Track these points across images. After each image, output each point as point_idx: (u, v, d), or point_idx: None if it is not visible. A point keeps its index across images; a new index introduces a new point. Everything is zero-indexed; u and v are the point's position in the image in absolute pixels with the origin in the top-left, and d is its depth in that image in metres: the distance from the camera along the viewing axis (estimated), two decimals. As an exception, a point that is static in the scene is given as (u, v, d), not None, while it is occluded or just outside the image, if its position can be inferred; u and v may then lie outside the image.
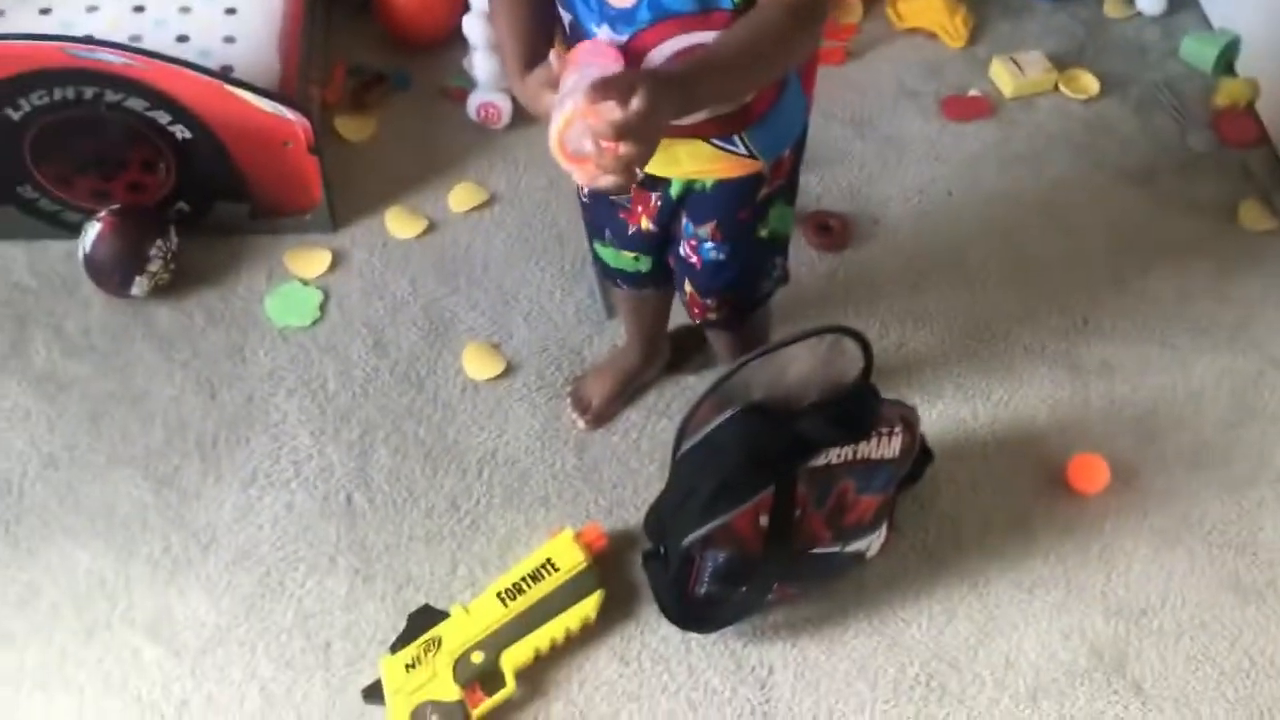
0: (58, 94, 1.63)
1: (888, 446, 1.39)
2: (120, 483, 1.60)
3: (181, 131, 1.71)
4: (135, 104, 1.66)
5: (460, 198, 1.95)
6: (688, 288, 1.45)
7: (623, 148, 0.97)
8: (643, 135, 0.97)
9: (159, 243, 1.73)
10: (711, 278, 1.41)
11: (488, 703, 1.41)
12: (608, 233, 1.44)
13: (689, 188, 1.31)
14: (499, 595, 1.46)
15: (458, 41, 2.07)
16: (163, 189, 1.78)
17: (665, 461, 1.43)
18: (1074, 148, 2.11)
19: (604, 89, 0.96)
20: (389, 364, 1.74)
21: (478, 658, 1.42)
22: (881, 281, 1.89)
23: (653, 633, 1.50)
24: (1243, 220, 2.00)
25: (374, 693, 1.42)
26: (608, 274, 1.54)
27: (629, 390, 1.72)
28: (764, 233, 1.38)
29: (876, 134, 2.11)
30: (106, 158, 1.74)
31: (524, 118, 2.01)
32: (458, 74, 2.10)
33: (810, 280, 1.88)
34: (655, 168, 1.27)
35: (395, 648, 1.44)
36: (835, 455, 1.36)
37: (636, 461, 1.66)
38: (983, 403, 1.75)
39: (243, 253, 1.85)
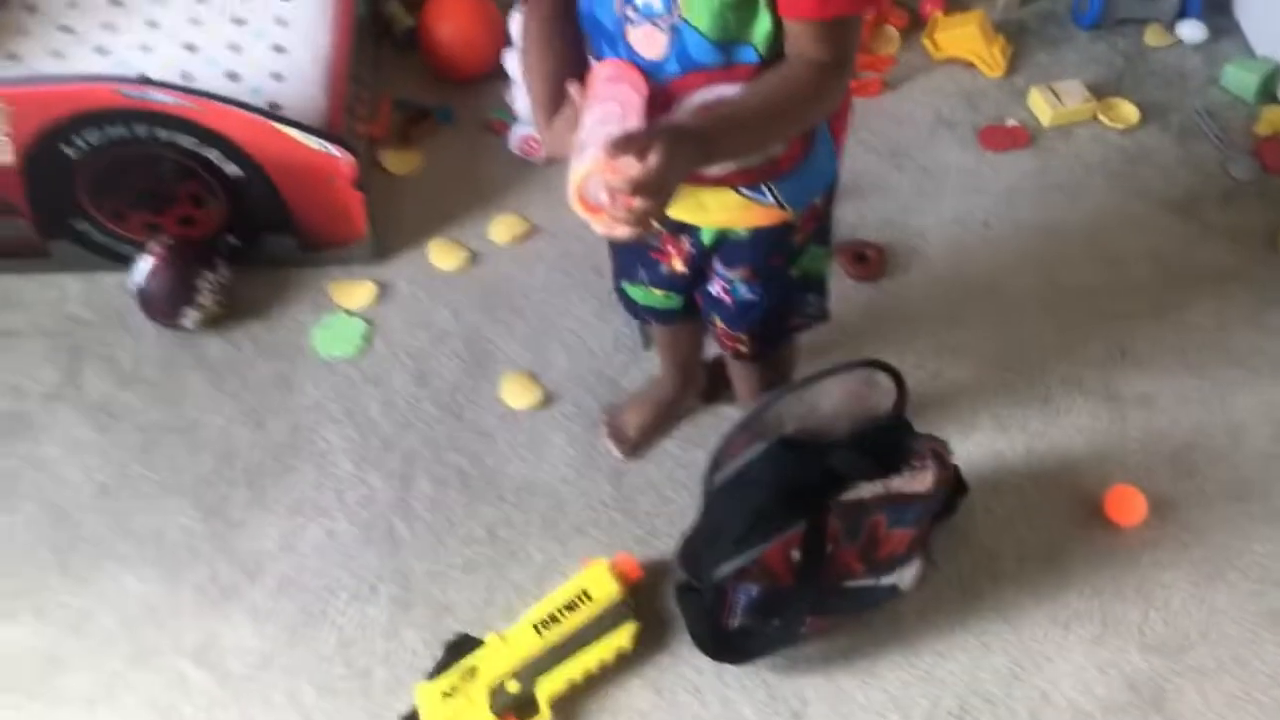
0: (111, 132, 1.69)
1: (920, 481, 1.40)
2: (170, 511, 1.64)
3: (231, 167, 1.76)
4: (186, 141, 1.71)
5: (501, 229, 1.99)
6: (717, 322, 1.47)
7: (638, 202, 0.99)
8: (658, 190, 0.99)
9: (209, 275, 1.78)
10: (742, 316, 1.43)
11: (523, 731, 1.43)
12: (640, 271, 1.46)
13: (721, 235, 1.33)
14: (535, 625, 1.48)
15: (500, 76, 2.11)
16: (213, 223, 1.84)
17: (700, 492, 1.45)
18: (1113, 177, 2.11)
19: (623, 145, 0.98)
20: (430, 393, 1.78)
21: (513, 687, 1.44)
22: (918, 312, 1.90)
23: (687, 663, 1.51)
24: (1285, 250, 1.99)
25: (412, 720, 1.45)
26: (637, 312, 1.56)
27: (665, 420, 1.74)
28: (796, 274, 1.40)
29: (913, 164, 2.12)
30: (158, 193, 1.80)
31: (564, 151, 2.04)
32: (500, 108, 2.14)
33: (846, 310, 1.89)
34: (685, 215, 1.30)
35: (432, 676, 1.47)
36: (866, 489, 1.37)
37: (672, 491, 1.68)
38: (1019, 434, 1.75)
39: (290, 284, 1.90)
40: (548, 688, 1.45)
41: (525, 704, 1.44)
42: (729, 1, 1.07)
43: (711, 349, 1.66)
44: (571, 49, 1.20)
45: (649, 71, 1.14)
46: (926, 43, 2.30)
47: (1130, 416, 1.77)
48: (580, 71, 1.19)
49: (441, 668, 1.47)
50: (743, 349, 1.48)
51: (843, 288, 1.91)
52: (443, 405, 1.76)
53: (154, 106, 1.67)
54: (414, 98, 2.18)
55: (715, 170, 1.18)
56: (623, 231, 1.03)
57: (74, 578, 1.58)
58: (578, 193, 1.02)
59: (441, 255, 1.95)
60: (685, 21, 1.10)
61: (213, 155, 1.73)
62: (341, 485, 1.67)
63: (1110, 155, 2.14)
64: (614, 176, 0.98)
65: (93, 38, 1.90)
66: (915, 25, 2.33)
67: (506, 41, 2.04)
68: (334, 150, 1.75)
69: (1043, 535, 1.64)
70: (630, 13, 1.12)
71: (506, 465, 1.70)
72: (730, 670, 1.51)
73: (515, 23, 1.98)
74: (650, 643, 1.52)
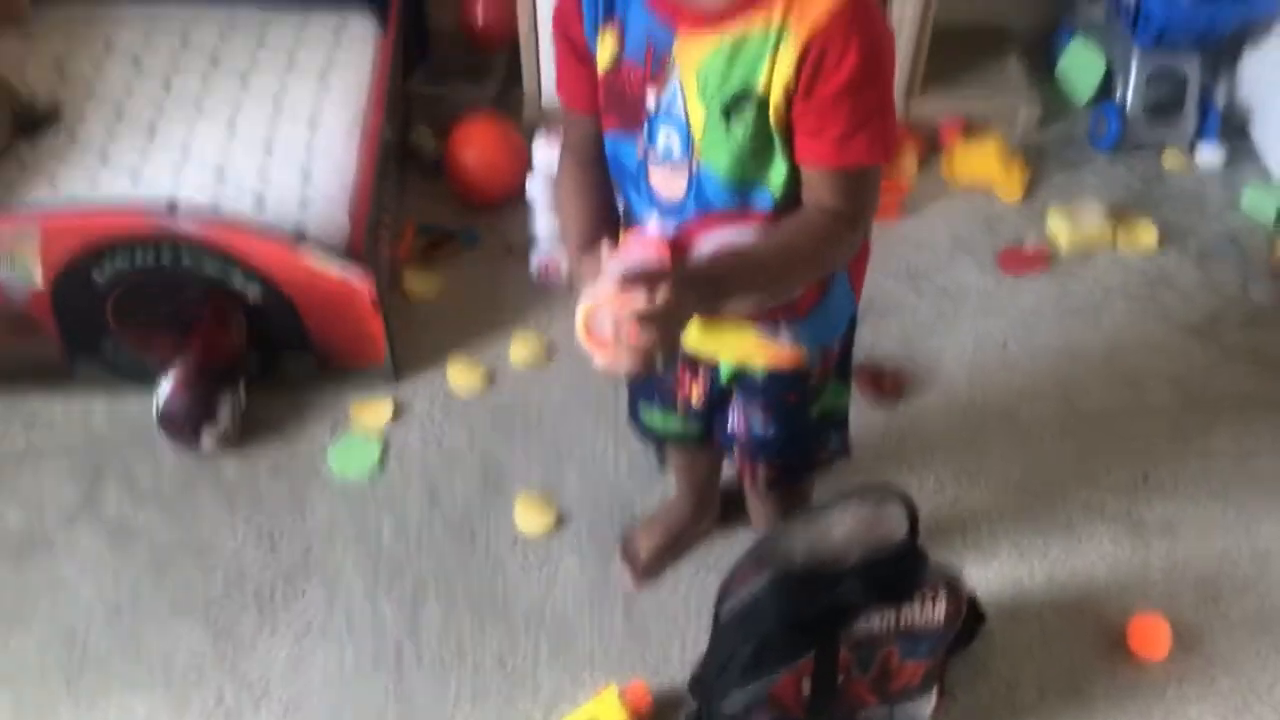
0: (140, 258, 1.73)
1: (932, 612, 1.37)
2: (180, 633, 1.64)
3: (253, 290, 1.79)
4: (211, 266, 1.75)
5: (520, 351, 2.01)
6: (736, 452, 1.47)
7: (642, 337, 1.00)
8: (663, 328, 1.00)
9: (228, 397, 1.80)
10: (760, 449, 1.43)
11: None
12: (657, 399, 1.47)
13: (739, 371, 1.34)
14: (541, 756, 1.45)
15: (522, 201, 2.15)
16: (234, 345, 1.86)
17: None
18: (1133, 300, 2.11)
19: (634, 279, 1.00)
20: (443, 516, 1.77)
21: (518, 821, 1.41)
22: (936, 435, 1.89)
23: (697, 798, 1.48)
24: (1309, 374, 1.97)
25: None
26: (653, 437, 1.56)
27: (679, 544, 1.73)
28: (816, 412, 1.40)
29: (932, 286, 2.13)
30: (183, 315, 1.83)
31: (583, 273, 2.07)
32: (521, 230, 2.18)
33: (864, 432, 1.88)
34: (703, 349, 1.31)
35: (436, 808, 1.44)
36: (877, 620, 1.34)
37: (685, 618, 1.65)
38: (1039, 561, 1.72)
39: (309, 404, 1.92)
40: (552, 823, 1.41)
41: (529, 840, 1.41)
42: (746, 147, 1.10)
43: (729, 471, 1.65)
44: (603, 192, 1.23)
45: (669, 210, 1.16)
46: (945, 167, 2.33)
47: (1153, 544, 1.73)
48: (611, 213, 1.23)
49: (445, 800, 1.44)
50: (760, 479, 1.48)
51: (861, 409, 1.91)
52: (455, 529, 1.76)
53: (181, 233, 1.71)
54: (439, 221, 2.22)
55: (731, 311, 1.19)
56: (624, 366, 1.04)
57: (83, 702, 1.57)
58: (585, 324, 1.03)
59: (460, 376, 1.97)
60: (704, 165, 1.12)
61: (236, 279, 1.77)
62: (351, 609, 1.66)
63: (1130, 278, 2.14)
64: (621, 308, 1.00)
65: (128, 164, 1.97)
66: (934, 149, 2.37)
67: (529, 168, 2.08)
68: (355, 275, 1.78)
69: (1064, 666, 1.60)
70: (652, 155, 1.15)
71: (517, 590, 1.69)
72: (741, 806, 1.46)
73: (538, 150, 2.03)
74: (659, 775, 1.49)
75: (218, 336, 1.84)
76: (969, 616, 1.49)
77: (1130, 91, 2.32)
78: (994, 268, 2.16)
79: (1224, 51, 2.38)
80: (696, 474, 1.68)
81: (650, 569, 1.70)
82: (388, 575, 1.70)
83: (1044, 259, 2.17)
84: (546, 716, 1.54)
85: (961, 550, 1.69)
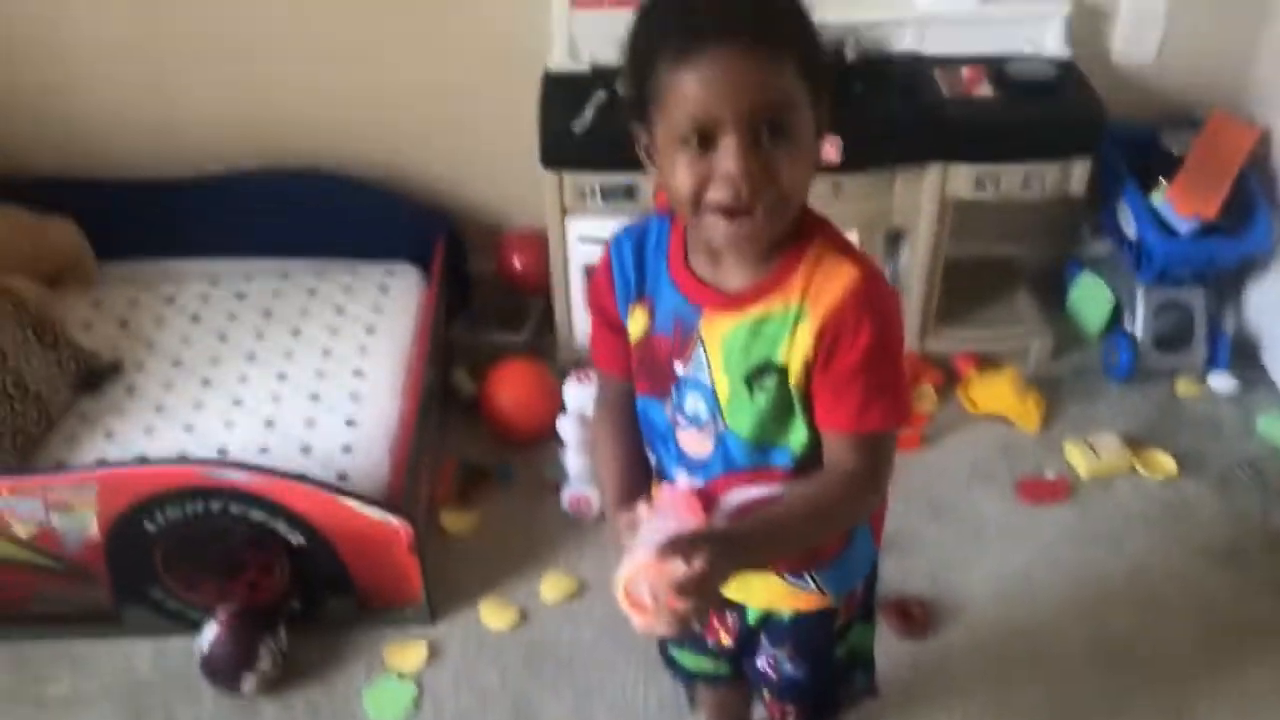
0: (189, 509, 1.82)
1: None
2: None
3: (297, 537, 1.87)
4: (257, 515, 1.84)
5: (552, 587, 2.06)
6: (765, 694, 1.50)
7: (680, 604, 1.05)
8: (700, 594, 1.05)
9: (269, 642, 1.86)
10: (788, 690, 1.46)
11: None
12: (687, 640, 1.51)
13: (766, 615, 1.39)
14: None
15: (555, 439, 2.24)
16: (278, 589, 1.93)
17: None
18: (1155, 528, 2.13)
19: (670, 548, 1.05)
20: (476, 759, 1.79)
21: None
22: (964, 669, 1.90)
23: None
24: (1337, 603, 1.97)
25: None
26: (685, 675, 1.59)
27: (711, 784, 1.73)
28: (843, 652, 1.44)
29: (954, 517, 2.17)
30: (228, 561, 1.91)
31: (613, 510, 2.14)
32: (554, 467, 2.26)
33: (892, 667, 1.88)
34: (731, 594, 1.36)
35: None
36: None
37: None
38: (1074, 804, 1.70)
39: (346, 646, 1.97)
40: None
41: None
42: (769, 413, 1.17)
43: (760, 712, 1.67)
44: (636, 445, 1.30)
45: (697, 467, 1.23)
46: (962, 398, 2.40)
47: (1189, 785, 1.72)
48: (644, 465, 1.30)
49: None
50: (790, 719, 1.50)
51: (888, 644, 1.92)
52: (487, 771, 1.77)
53: (230, 484, 1.80)
54: (475, 458, 2.31)
55: None
56: (662, 630, 1.08)
57: None
58: (625, 589, 1.08)
59: (493, 614, 2.01)
60: (729, 428, 1.20)
61: (280, 526, 1.85)
62: None
63: (1150, 506, 2.18)
64: (659, 578, 1.05)
65: (182, 416, 2.09)
66: (951, 381, 2.45)
67: (561, 407, 2.18)
68: (392, 519, 1.86)
69: None
70: (680, 418, 1.23)
71: (548, 837, 1.69)
72: None
73: (569, 390, 2.14)
74: None
75: (262, 582, 1.91)
76: None
77: (1139, 323, 2.41)
78: (1014, 497, 2.20)
79: (1227, 283, 2.47)
80: (727, 713, 1.70)
81: (680, 813, 1.70)
82: (419, 823, 1.71)
83: (1064, 488, 2.21)
84: None
85: (994, 792, 1.69)
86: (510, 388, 2.34)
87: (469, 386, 2.43)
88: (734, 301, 1.16)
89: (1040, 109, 2.21)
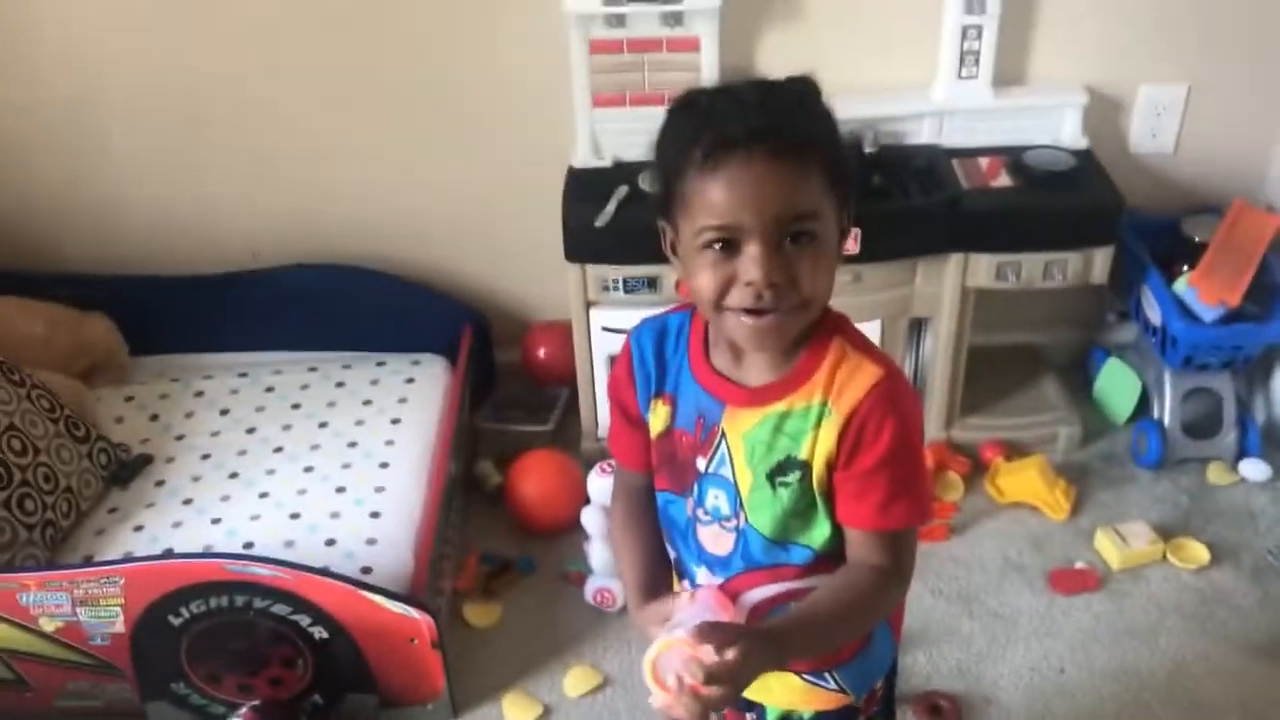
0: (213, 603, 1.83)
1: None
2: None
3: (320, 632, 1.87)
4: (280, 609, 1.84)
5: (575, 681, 2.04)
6: None
7: (705, 691, 1.04)
8: (728, 683, 1.04)
9: (291, 737, 1.85)
10: None
11: None
12: None
13: (786, 716, 1.37)
14: None
15: (579, 530, 2.24)
16: (300, 683, 1.93)
17: None
18: (1190, 619, 2.09)
19: (707, 633, 1.05)
20: None
21: None
22: (996, 769, 1.86)
23: None
24: (1380, 697, 1.92)
25: None
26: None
27: None
28: None
29: (984, 609, 2.14)
30: (251, 655, 1.91)
31: (637, 602, 2.12)
32: (577, 559, 2.25)
33: (922, 767, 1.86)
34: (750, 694, 1.34)
35: None
36: None
37: None
38: None
39: (368, 742, 1.95)
40: None
41: None
42: (790, 509, 1.18)
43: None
44: (656, 538, 1.31)
45: (717, 564, 1.23)
46: (990, 488, 2.38)
47: None
48: (664, 559, 1.29)
49: None
50: None
51: (918, 741, 1.89)
52: None
53: (254, 579, 1.81)
54: (499, 549, 2.31)
55: None
56: (681, 713, 1.07)
57: None
58: (652, 663, 1.08)
59: (516, 710, 1.99)
60: (749, 524, 1.20)
61: (303, 620, 1.85)
62: None
63: (1184, 597, 2.14)
64: (690, 659, 1.04)
65: (210, 509, 2.10)
66: (978, 470, 2.43)
67: (585, 499, 2.18)
68: (415, 614, 1.86)
69: None
70: (701, 514, 1.23)
71: None
72: None
73: (593, 482, 2.14)
74: None
75: (284, 678, 1.91)
76: None
77: (1168, 410, 2.39)
78: (1045, 588, 2.17)
79: (1256, 370, 2.45)
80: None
81: None
82: None
83: (1095, 578, 2.17)
84: None
85: None
86: (534, 478, 2.35)
87: (494, 477, 2.44)
88: (757, 397, 1.17)
89: (1058, 198, 2.23)
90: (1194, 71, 2.37)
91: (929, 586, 2.17)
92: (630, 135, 2.27)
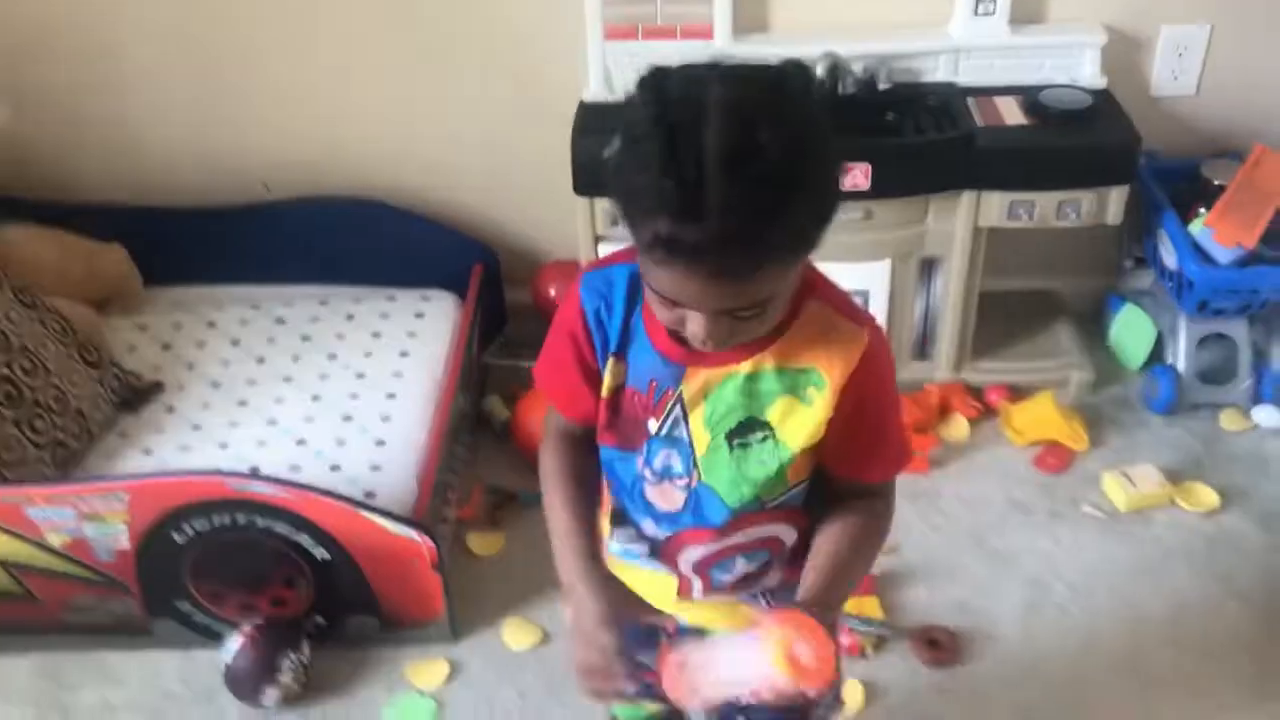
0: (217, 520, 1.85)
1: None
2: None
3: (321, 552, 1.89)
4: (282, 528, 1.86)
5: (576, 610, 2.05)
6: None
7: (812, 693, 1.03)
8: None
9: (292, 655, 1.87)
10: None
11: None
12: None
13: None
14: None
15: (583, 464, 2.25)
16: (302, 603, 1.95)
17: None
18: (1196, 563, 2.08)
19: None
20: (492, 778, 1.78)
21: None
22: (992, 702, 1.86)
23: None
24: (1385, 641, 1.90)
25: None
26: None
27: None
28: None
29: (987, 547, 2.13)
30: (254, 574, 1.93)
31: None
32: (583, 493, 2.26)
33: (919, 698, 1.86)
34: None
35: None
36: None
37: None
38: (1102, 839, 1.65)
39: (368, 663, 1.97)
40: None
41: None
42: (747, 469, 1.15)
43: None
44: (594, 496, 1.26)
45: (665, 519, 1.21)
46: (1008, 430, 2.35)
47: (1225, 823, 1.66)
48: (594, 511, 1.25)
49: None
50: None
51: (915, 674, 1.89)
52: (503, 790, 1.76)
53: (256, 497, 1.83)
54: (505, 482, 2.32)
55: None
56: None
57: None
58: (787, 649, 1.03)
59: (515, 635, 2.01)
60: (703, 483, 1.17)
61: (305, 540, 1.87)
62: None
63: (1192, 540, 2.12)
64: (785, 693, 1.03)
65: (218, 434, 2.13)
66: (988, 414, 2.41)
67: (590, 433, 2.18)
68: (415, 535, 1.87)
69: None
70: (649, 474, 1.19)
71: None
72: None
73: (598, 416, 2.14)
74: None
75: (286, 597, 1.93)
76: None
77: (1182, 356, 2.36)
78: (1050, 529, 2.16)
79: (1273, 316, 2.41)
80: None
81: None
82: (432, 839, 1.70)
83: (1100, 520, 2.16)
84: None
85: (1019, 825, 1.64)
86: (540, 415, 2.34)
87: (502, 413, 2.45)
88: (720, 358, 1.11)
89: (1073, 136, 2.20)
90: (1217, 11, 2.33)
91: (931, 524, 2.16)
92: (643, 69, 2.24)
